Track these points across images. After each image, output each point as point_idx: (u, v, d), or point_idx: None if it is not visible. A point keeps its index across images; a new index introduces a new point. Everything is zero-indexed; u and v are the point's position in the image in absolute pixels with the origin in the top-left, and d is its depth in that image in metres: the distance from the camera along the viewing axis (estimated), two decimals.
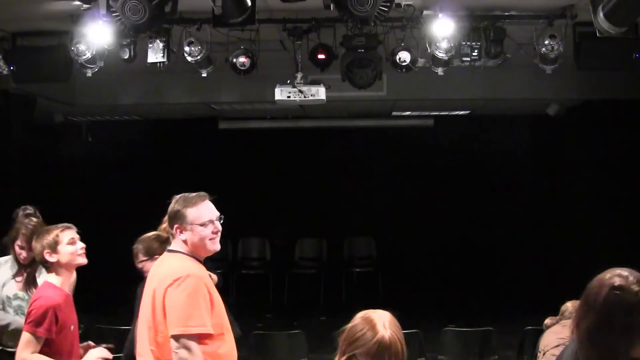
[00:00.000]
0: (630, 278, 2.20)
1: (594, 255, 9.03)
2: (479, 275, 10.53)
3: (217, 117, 11.02)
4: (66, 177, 10.76)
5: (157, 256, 4.21)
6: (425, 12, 6.06)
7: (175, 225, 3.45)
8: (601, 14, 4.99)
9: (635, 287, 2.18)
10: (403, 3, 5.59)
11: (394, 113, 10.78)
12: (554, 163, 10.47)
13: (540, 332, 5.71)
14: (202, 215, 3.42)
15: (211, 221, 3.43)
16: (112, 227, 11.07)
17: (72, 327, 3.73)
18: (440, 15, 5.97)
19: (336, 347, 2.71)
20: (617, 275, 2.22)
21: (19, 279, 4.66)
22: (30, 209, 5.47)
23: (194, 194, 3.50)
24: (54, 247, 3.71)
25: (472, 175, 11.09)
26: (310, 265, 11.12)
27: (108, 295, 8.79)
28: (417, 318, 8.39)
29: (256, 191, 11.00)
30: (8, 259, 4.74)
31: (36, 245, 3.76)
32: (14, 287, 4.64)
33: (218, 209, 3.67)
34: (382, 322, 2.60)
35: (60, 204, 10.35)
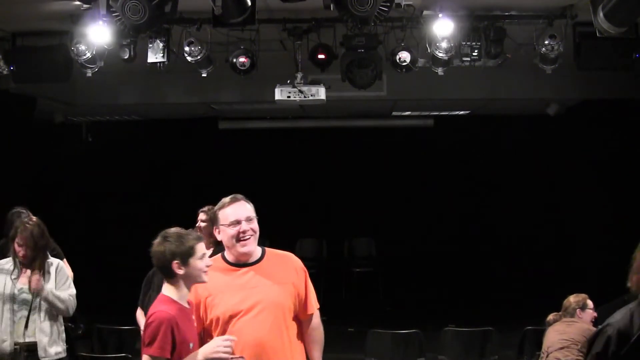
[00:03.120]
0: None
1: (594, 254, 9.05)
2: (479, 275, 10.53)
3: (217, 117, 11.03)
4: (66, 177, 10.75)
5: None
6: (425, 12, 6.07)
7: (214, 227, 3.59)
8: (601, 14, 5.00)
9: None
10: (403, 3, 5.59)
11: (394, 113, 10.78)
12: (554, 163, 10.47)
13: (540, 332, 5.71)
14: (229, 216, 3.49)
15: (237, 222, 3.46)
16: (112, 227, 11.09)
17: (191, 345, 3.26)
18: (440, 15, 5.98)
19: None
20: None
21: (23, 279, 4.67)
22: (23, 211, 5.50)
23: (230, 196, 3.57)
24: (186, 258, 3.22)
25: (472, 175, 11.09)
26: (310, 265, 11.06)
27: (108, 296, 8.78)
28: (417, 318, 8.41)
29: (256, 191, 10.98)
30: (9, 260, 4.75)
31: (161, 249, 3.24)
32: (10, 283, 4.66)
33: None
34: None
35: (60, 203, 10.38)
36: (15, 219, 5.12)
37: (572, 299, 5.43)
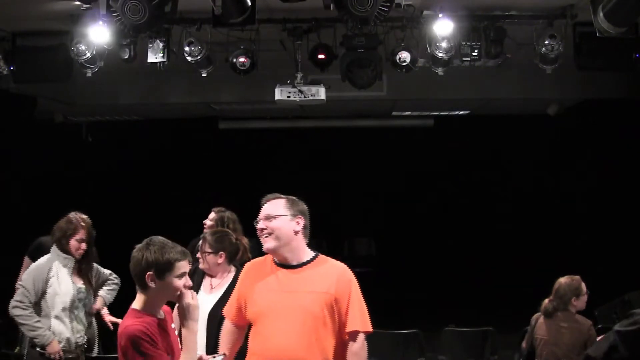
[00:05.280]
0: None
1: (594, 253, 9.06)
2: (479, 275, 10.52)
3: (217, 117, 11.03)
4: (66, 177, 10.75)
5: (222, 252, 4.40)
6: (425, 12, 6.07)
7: None
8: (601, 14, 5.00)
9: None
10: (403, 3, 5.59)
11: (394, 113, 10.78)
12: (553, 163, 10.47)
13: None
14: None
15: (258, 220, 3.49)
16: (112, 227, 11.07)
17: (169, 358, 2.96)
18: (440, 15, 5.98)
19: None
20: None
21: (78, 279, 4.86)
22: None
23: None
24: (162, 272, 2.91)
25: (472, 175, 11.09)
26: None
27: None
28: (417, 318, 8.40)
29: (255, 191, 10.98)
30: (53, 258, 4.81)
31: (139, 255, 2.93)
32: (73, 284, 4.80)
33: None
34: None
35: (60, 203, 10.36)
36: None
37: (566, 286, 5.23)
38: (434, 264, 10.86)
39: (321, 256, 3.51)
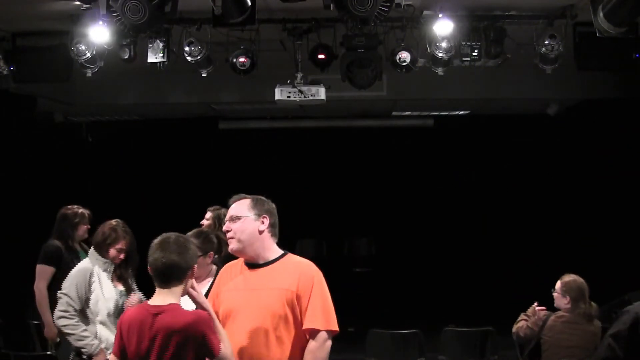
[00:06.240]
0: None
1: (595, 254, 9.05)
2: (479, 275, 10.52)
3: (217, 117, 11.02)
4: (66, 177, 10.75)
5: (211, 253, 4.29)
6: (425, 12, 6.08)
7: None
8: (601, 14, 5.01)
9: None
10: (403, 3, 5.60)
11: (394, 113, 10.78)
12: (554, 163, 10.47)
13: None
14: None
15: (225, 221, 3.48)
16: None
17: None
18: (440, 15, 5.99)
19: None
20: None
21: (117, 284, 4.79)
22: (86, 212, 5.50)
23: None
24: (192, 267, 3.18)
25: (472, 175, 11.09)
26: None
27: None
28: (417, 318, 8.40)
29: (255, 191, 10.97)
30: (92, 262, 4.75)
31: (192, 248, 3.16)
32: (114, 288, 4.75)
33: None
34: None
35: (60, 204, 10.36)
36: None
37: (585, 291, 5.17)
38: (434, 263, 10.85)
39: (289, 254, 3.47)
